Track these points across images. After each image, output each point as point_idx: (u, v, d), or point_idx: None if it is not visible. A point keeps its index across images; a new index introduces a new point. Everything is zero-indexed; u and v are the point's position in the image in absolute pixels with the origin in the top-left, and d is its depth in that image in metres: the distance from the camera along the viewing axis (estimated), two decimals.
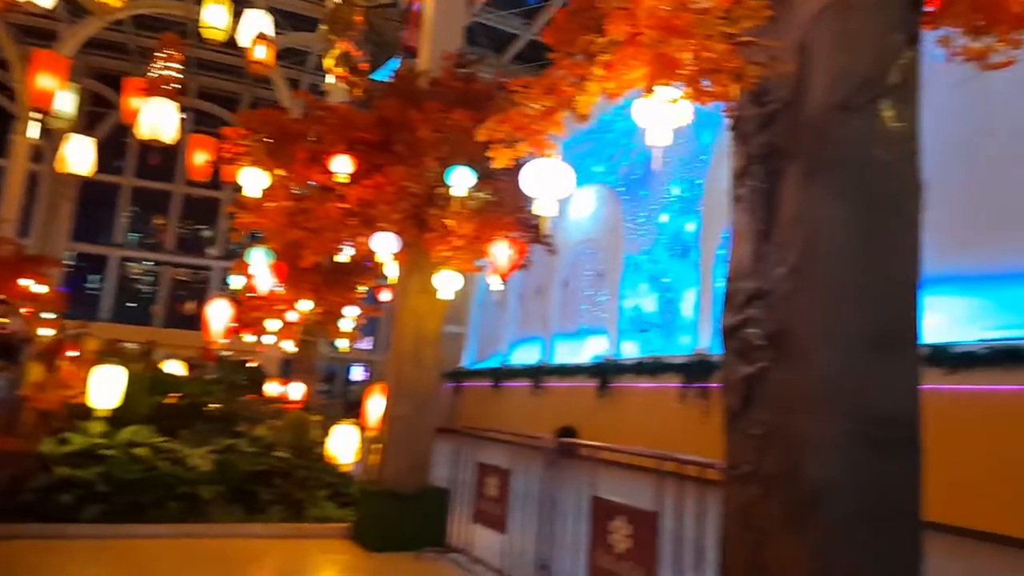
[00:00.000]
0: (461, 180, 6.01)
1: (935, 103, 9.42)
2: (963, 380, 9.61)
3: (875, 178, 2.27)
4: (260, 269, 8.96)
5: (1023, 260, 9.64)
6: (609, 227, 19.79)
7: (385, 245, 6.41)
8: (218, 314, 12.37)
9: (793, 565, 2.16)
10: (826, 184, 2.26)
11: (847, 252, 2.23)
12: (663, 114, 2.95)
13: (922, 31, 2.53)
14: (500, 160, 3.38)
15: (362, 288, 14.31)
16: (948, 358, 9.72)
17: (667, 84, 2.29)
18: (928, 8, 2.47)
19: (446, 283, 6.54)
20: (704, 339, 15.17)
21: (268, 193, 6.79)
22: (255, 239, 8.88)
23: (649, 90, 2.33)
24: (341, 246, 7.11)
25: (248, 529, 6.96)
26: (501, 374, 25.02)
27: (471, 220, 6.30)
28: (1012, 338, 9.24)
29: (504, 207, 6.55)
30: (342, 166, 6.34)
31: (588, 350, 20.51)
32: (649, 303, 18.01)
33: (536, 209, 3.34)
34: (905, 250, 2.32)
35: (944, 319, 10.39)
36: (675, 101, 2.36)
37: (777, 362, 2.29)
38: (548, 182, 3.26)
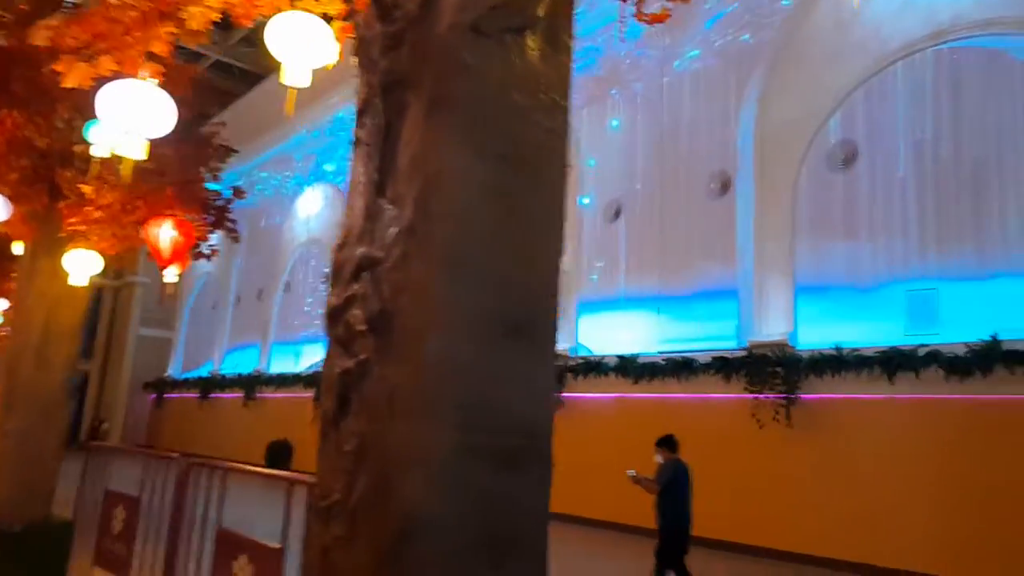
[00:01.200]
0: (103, 137, 4.78)
1: (629, 135, 9.89)
2: (646, 389, 10.40)
3: (512, 127, 1.83)
4: None
5: (696, 283, 10.73)
6: (335, 227, 18.77)
7: None
8: None
9: None
10: (452, 124, 1.77)
11: (473, 213, 1.75)
12: (297, 43, 2.29)
13: None
14: (72, 77, 2.45)
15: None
16: (634, 369, 10.45)
17: None
18: None
19: (80, 264, 5.20)
20: None
21: None
22: None
23: None
24: None
25: None
26: (210, 384, 22.56)
27: (116, 189, 5.08)
28: (685, 351, 10.21)
29: (167, 177, 5.41)
30: None
31: (308, 358, 19.23)
32: None
33: (117, 147, 2.47)
34: (544, 221, 1.91)
35: (632, 334, 11.22)
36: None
37: (380, 353, 1.73)
38: (136, 111, 2.40)
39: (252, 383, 20.17)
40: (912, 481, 7.82)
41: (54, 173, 5.27)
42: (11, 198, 5.12)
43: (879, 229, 9.08)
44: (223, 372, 22.67)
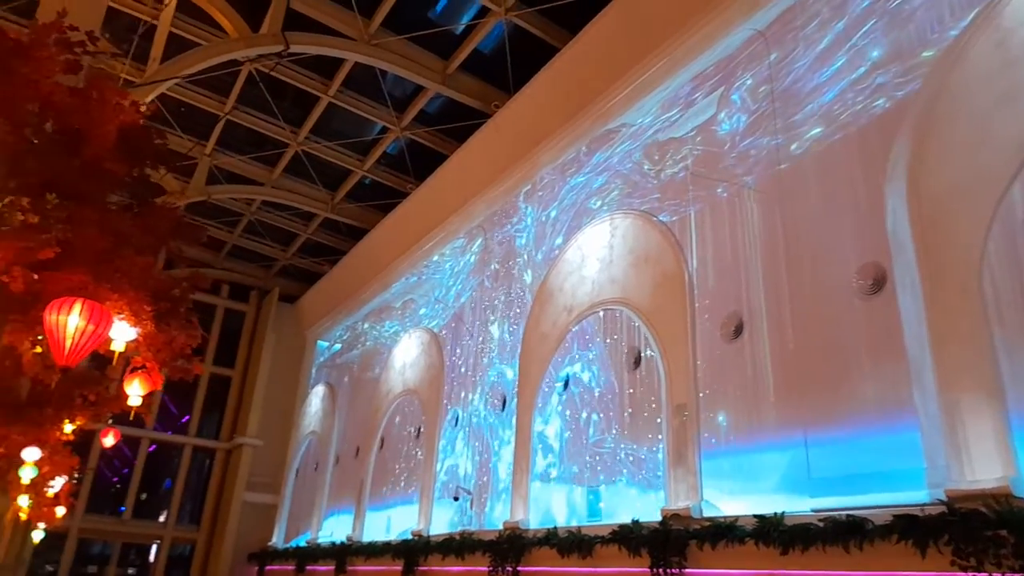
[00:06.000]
0: None
1: (744, 236, 7.42)
2: (800, 563, 7.44)
3: None
4: None
5: (855, 411, 7.98)
6: (431, 376, 17.32)
7: None
8: None
9: None
10: None
11: None
12: None
13: None
14: None
15: (70, 425, 10.75)
16: (780, 534, 7.58)
17: None
18: None
19: None
20: (519, 510, 12.47)
21: None
22: None
23: None
24: None
25: None
26: (305, 555, 20.79)
27: None
28: (850, 507, 7.28)
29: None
30: None
31: (399, 523, 17.14)
32: (465, 463, 15.25)
33: None
34: None
35: (771, 484, 8.44)
36: None
37: None
38: None
39: (343, 553, 18.16)
40: None
41: None
42: None
43: None
44: (320, 540, 20.91)
